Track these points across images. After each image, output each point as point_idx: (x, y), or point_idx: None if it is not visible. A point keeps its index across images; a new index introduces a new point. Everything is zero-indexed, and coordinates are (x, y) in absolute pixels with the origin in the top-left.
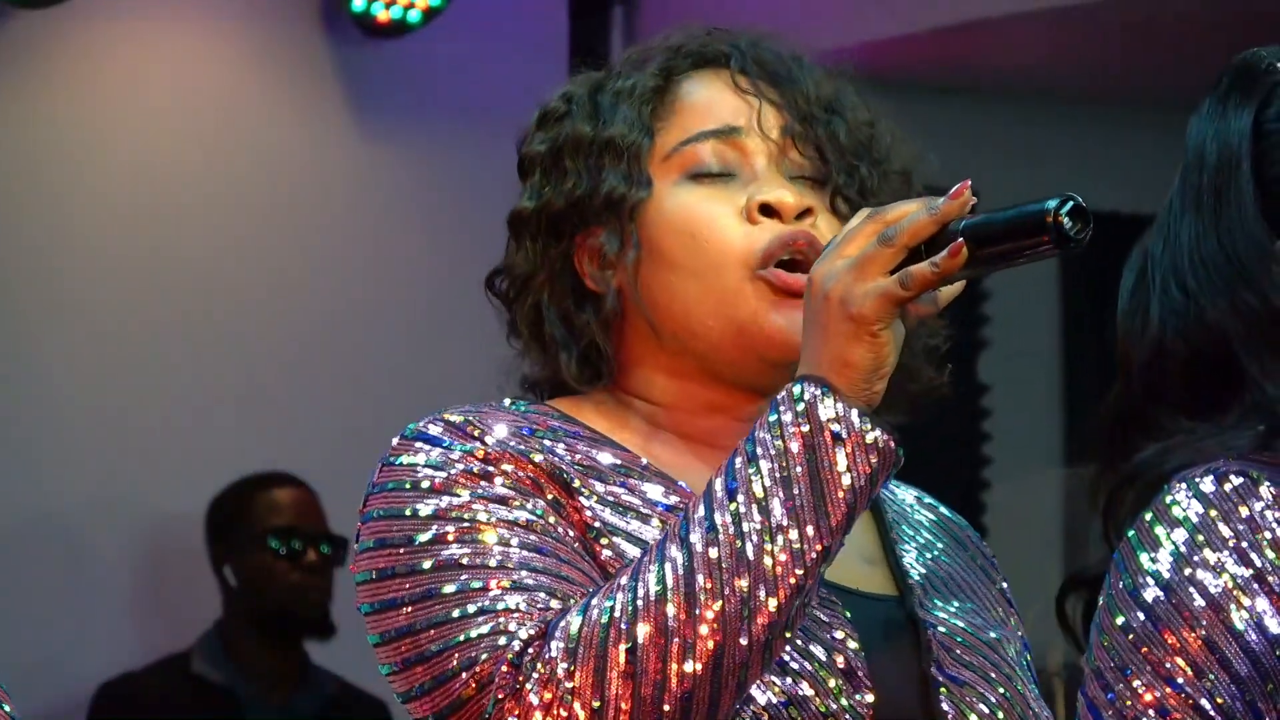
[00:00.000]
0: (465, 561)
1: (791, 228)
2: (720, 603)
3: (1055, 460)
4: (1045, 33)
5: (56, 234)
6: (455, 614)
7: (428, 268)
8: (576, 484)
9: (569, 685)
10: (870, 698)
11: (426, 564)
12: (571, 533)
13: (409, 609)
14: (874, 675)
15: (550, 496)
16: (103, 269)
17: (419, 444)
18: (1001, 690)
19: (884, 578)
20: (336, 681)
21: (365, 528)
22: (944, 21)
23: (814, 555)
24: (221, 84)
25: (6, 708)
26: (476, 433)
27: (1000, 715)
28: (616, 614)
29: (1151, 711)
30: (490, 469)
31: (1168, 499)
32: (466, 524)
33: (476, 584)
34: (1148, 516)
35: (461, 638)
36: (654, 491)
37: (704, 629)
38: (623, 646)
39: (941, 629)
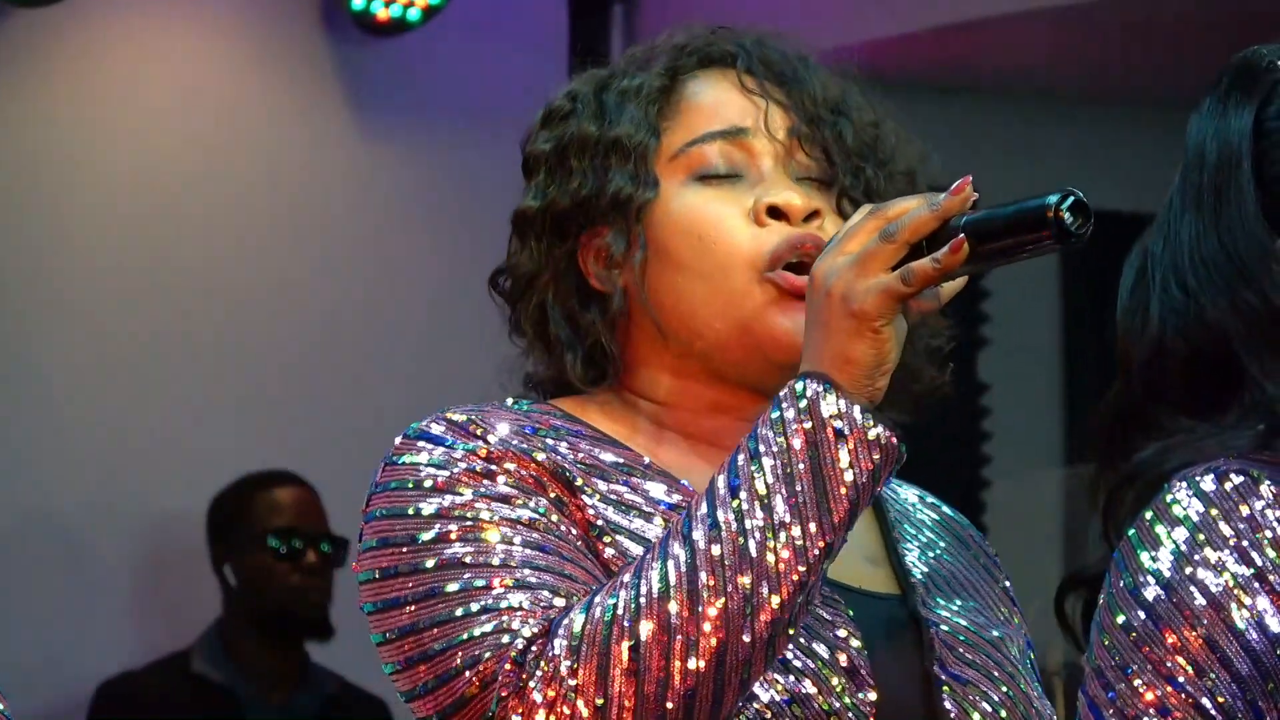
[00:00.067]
0: (468, 560)
1: (799, 230)
2: (723, 600)
3: (1055, 459)
4: (1045, 33)
5: (56, 233)
6: (458, 612)
7: (428, 266)
8: (579, 482)
9: (572, 683)
10: (873, 696)
11: (429, 563)
12: (574, 531)
13: (412, 608)
14: (877, 673)
15: (553, 495)
16: (102, 269)
17: (422, 443)
18: (1004, 689)
19: (886, 577)
20: (337, 681)
21: (368, 527)
22: (944, 21)
23: (817, 552)
24: (221, 82)
25: (0, 706)
26: (479, 431)
27: (1003, 714)
28: (619, 611)
29: (1152, 710)
30: (493, 468)
31: (1168, 498)
32: (469, 523)
33: (479, 582)
34: (1148, 515)
35: (465, 636)
36: (656, 490)
37: (707, 626)
38: (626, 644)
39: (944, 627)
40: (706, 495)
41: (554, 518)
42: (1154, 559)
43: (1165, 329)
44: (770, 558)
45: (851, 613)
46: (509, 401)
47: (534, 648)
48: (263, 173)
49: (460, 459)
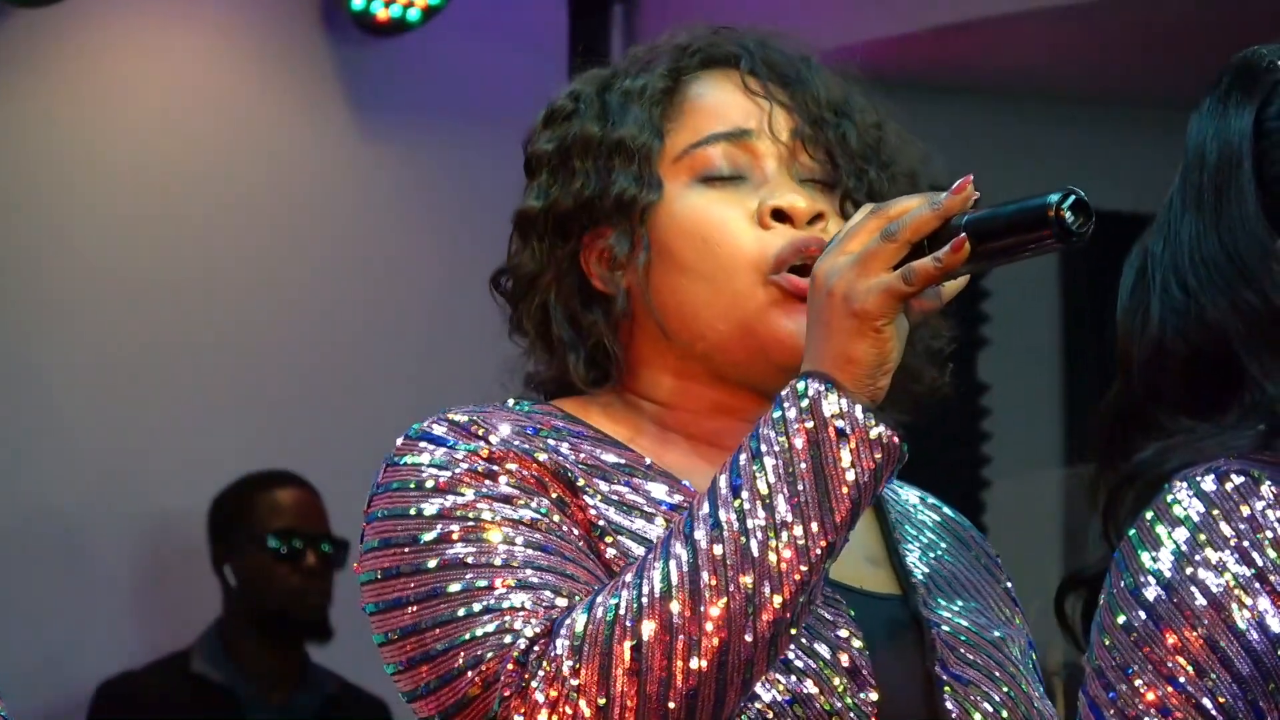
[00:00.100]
0: (470, 560)
1: (804, 234)
2: (725, 599)
3: (1055, 459)
4: (1045, 33)
5: (55, 233)
6: (460, 613)
7: (428, 265)
8: (581, 483)
9: (574, 683)
10: (874, 696)
11: (431, 563)
12: (576, 531)
13: (414, 608)
14: (878, 674)
15: (555, 495)
16: (102, 268)
17: (423, 444)
18: (1005, 689)
19: (888, 578)
20: (337, 681)
21: (370, 528)
22: (944, 21)
23: (819, 551)
24: (220, 82)
25: None
26: (481, 432)
27: (1004, 714)
28: (621, 611)
29: (1153, 710)
30: (495, 468)
31: (1169, 498)
32: (471, 523)
33: (481, 583)
34: (1149, 515)
35: (467, 636)
36: (658, 491)
37: (709, 626)
38: (628, 644)
39: (945, 628)
40: (708, 495)
41: (556, 518)
42: (1155, 559)
43: (1165, 329)
44: (772, 557)
45: (853, 613)
46: (510, 402)
47: (536, 648)
48: (262, 173)
49: (462, 459)
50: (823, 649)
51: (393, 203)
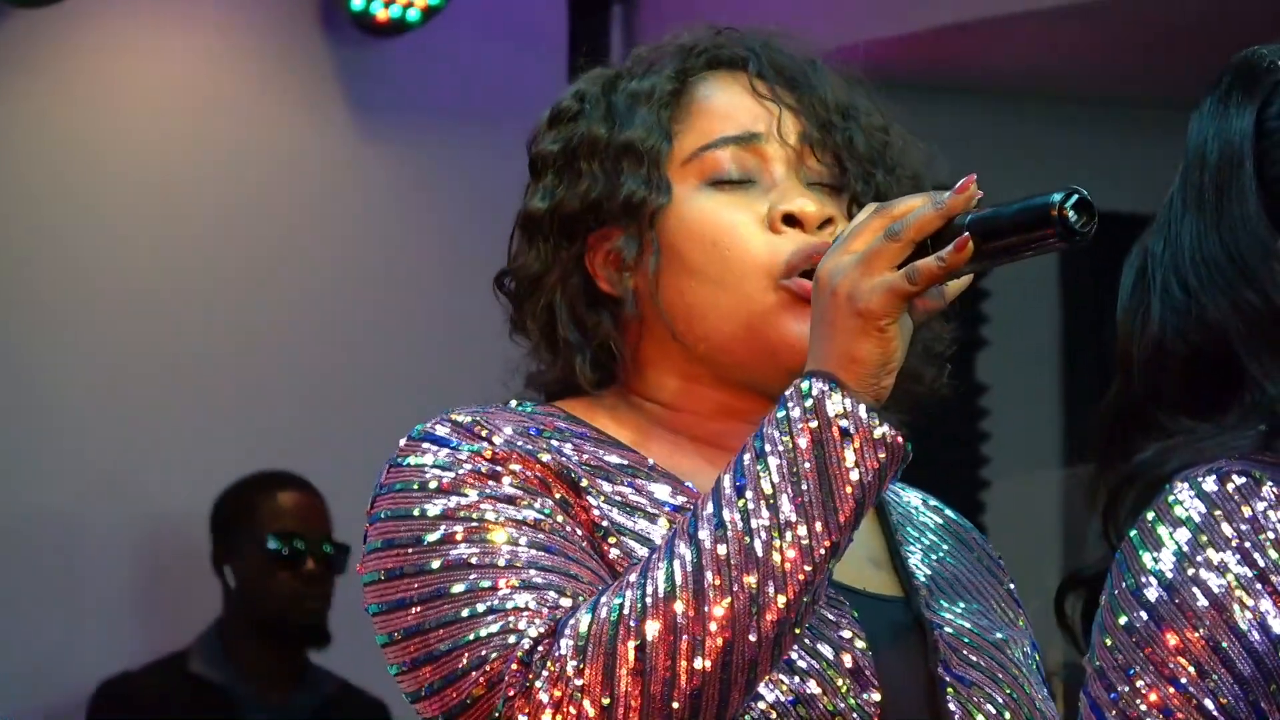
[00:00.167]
0: (474, 561)
1: (816, 239)
2: (729, 600)
3: (1054, 460)
4: (1045, 33)
5: (54, 234)
6: (464, 613)
7: (428, 265)
8: (584, 483)
9: (578, 683)
10: (877, 696)
11: (435, 564)
12: (580, 531)
13: (418, 609)
14: (881, 674)
15: (558, 496)
16: (101, 269)
17: (426, 445)
18: (1008, 691)
19: (890, 579)
20: (335, 682)
21: (373, 529)
22: (944, 21)
23: (822, 551)
24: (219, 84)
25: None
26: (484, 433)
27: (1007, 716)
28: (625, 611)
29: (1155, 711)
30: (498, 469)
31: (1170, 498)
32: (475, 524)
33: (485, 583)
34: (1150, 516)
35: (471, 637)
36: (661, 491)
37: (713, 626)
38: (632, 644)
39: (948, 629)
40: (712, 495)
41: (559, 518)
42: (1156, 560)
43: (1165, 329)
44: (776, 557)
45: (856, 614)
46: (513, 403)
47: (540, 648)
48: (262, 173)
49: (465, 460)
50: (826, 649)
51: (393, 203)
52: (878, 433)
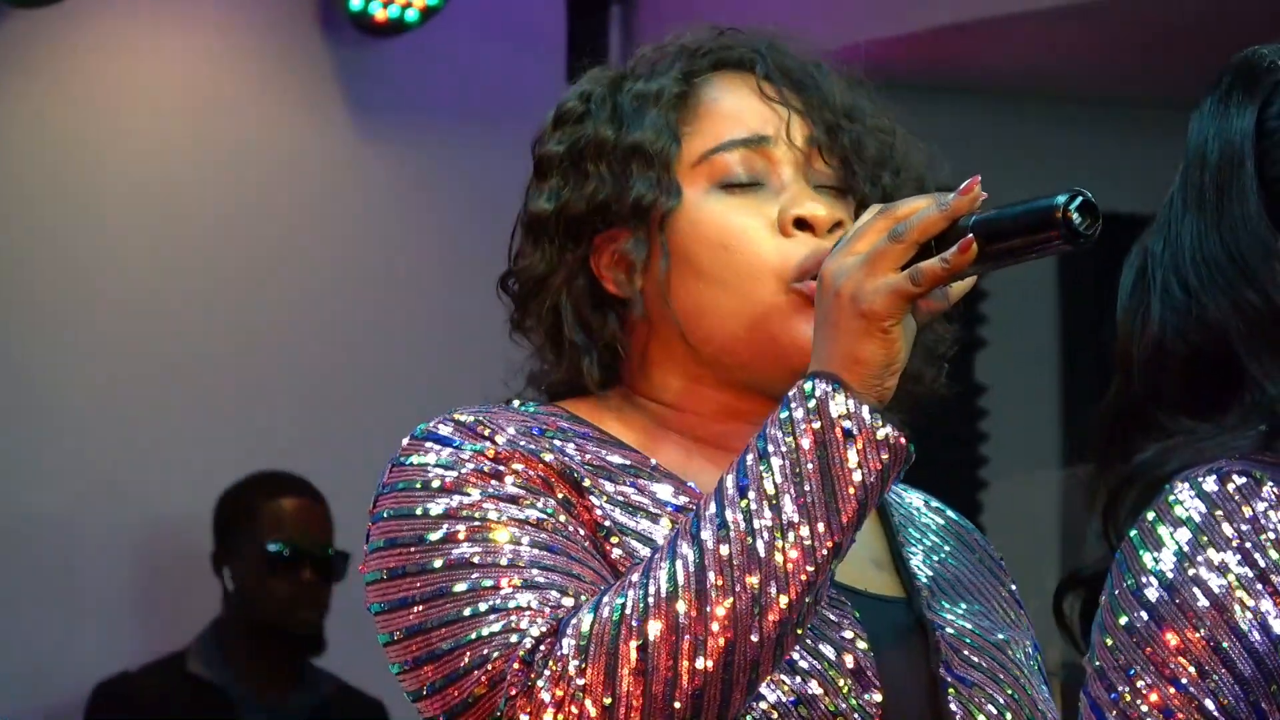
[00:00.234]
0: (476, 560)
1: (826, 243)
2: (731, 600)
3: (1053, 460)
4: (1045, 33)
5: (54, 234)
6: (466, 612)
7: (427, 265)
8: (587, 483)
9: (580, 682)
10: (878, 697)
11: (437, 563)
12: (582, 531)
13: (420, 608)
14: (883, 675)
15: (561, 495)
16: (100, 269)
17: (429, 444)
18: (1010, 691)
19: (892, 580)
20: (333, 682)
21: (375, 528)
22: (944, 21)
23: (825, 552)
24: (218, 84)
25: None
26: (487, 432)
27: (1008, 716)
28: (628, 611)
29: (1156, 712)
30: (501, 468)
31: (1170, 498)
32: (477, 523)
33: (488, 582)
34: (1150, 516)
35: (473, 636)
36: (663, 492)
37: (715, 626)
38: (634, 644)
39: (949, 630)
40: (715, 495)
41: (561, 518)
42: (1156, 560)
43: (1165, 329)
44: (778, 558)
45: (858, 615)
46: (515, 402)
47: (542, 647)
48: (260, 174)
49: (468, 460)
50: (828, 650)
51: (392, 203)
52: (881, 434)
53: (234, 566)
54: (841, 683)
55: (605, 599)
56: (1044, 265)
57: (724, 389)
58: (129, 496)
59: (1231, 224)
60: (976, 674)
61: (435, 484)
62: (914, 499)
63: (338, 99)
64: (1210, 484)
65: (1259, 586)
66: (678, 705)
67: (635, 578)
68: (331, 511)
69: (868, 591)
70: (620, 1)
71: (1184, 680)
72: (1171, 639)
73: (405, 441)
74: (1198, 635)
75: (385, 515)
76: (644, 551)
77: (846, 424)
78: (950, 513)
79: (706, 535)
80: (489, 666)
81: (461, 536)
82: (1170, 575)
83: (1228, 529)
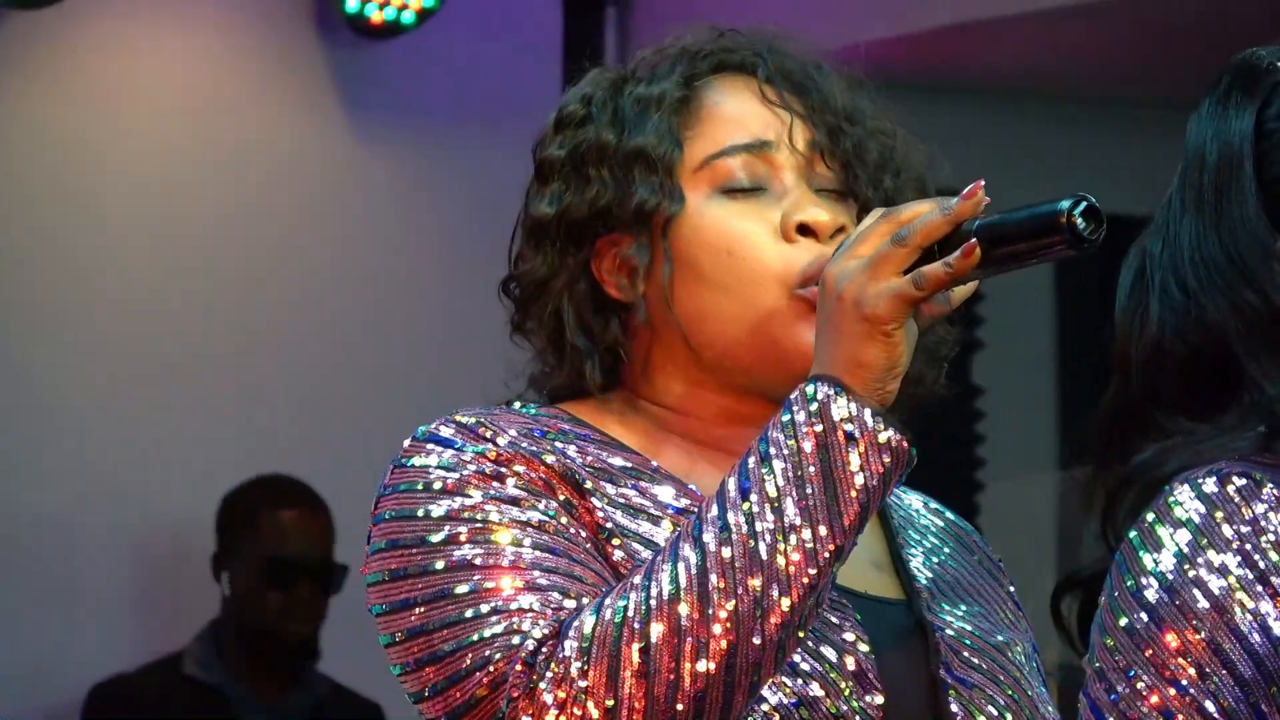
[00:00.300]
0: (478, 562)
1: (829, 248)
2: (733, 602)
3: (1050, 462)
4: (1045, 33)
5: (54, 234)
6: (468, 614)
7: (424, 267)
8: (588, 485)
9: (582, 684)
10: (880, 699)
11: (439, 564)
12: (584, 533)
13: (421, 609)
14: (884, 677)
15: (562, 497)
16: (99, 270)
17: (431, 445)
18: (1010, 692)
19: (892, 582)
20: (329, 684)
21: (377, 529)
22: (944, 21)
23: (827, 555)
24: (215, 86)
25: None
26: (488, 434)
27: (1009, 717)
28: (630, 613)
29: (1156, 713)
30: (502, 470)
31: (1170, 500)
32: (479, 524)
33: (489, 584)
34: (1150, 517)
35: (475, 637)
36: (665, 494)
37: (717, 628)
38: (636, 646)
39: (949, 632)
40: (717, 498)
41: (563, 520)
42: (1156, 561)
43: (1164, 330)
44: (781, 560)
45: (859, 617)
46: (516, 404)
47: (544, 649)
48: (257, 176)
49: (469, 461)
50: (829, 652)
51: (389, 205)
52: (883, 437)
53: (233, 572)
54: (843, 685)
55: (607, 601)
56: (1042, 267)
57: (726, 393)
58: (129, 497)
59: (1230, 225)
60: (977, 675)
61: (437, 486)
62: (913, 501)
63: (335, 100)
64: (1210, 485)
65: (1259, 588)
66: (680, 707)
67: (637, 580)
68: (334, 512)
69: (868, 594)
70: (616, 2)
71: (1184, 681)
72: (1171, 640)
73: (406, 443)
74: (1198, 637)
75: (387, 517)
76: (645, 554)
77: (849, 427)
78: (949, 514)
79: (708, 538)
80: (491, 668)
81: (463, 538)
82: (1170, 576)
83: (1228, 530)
